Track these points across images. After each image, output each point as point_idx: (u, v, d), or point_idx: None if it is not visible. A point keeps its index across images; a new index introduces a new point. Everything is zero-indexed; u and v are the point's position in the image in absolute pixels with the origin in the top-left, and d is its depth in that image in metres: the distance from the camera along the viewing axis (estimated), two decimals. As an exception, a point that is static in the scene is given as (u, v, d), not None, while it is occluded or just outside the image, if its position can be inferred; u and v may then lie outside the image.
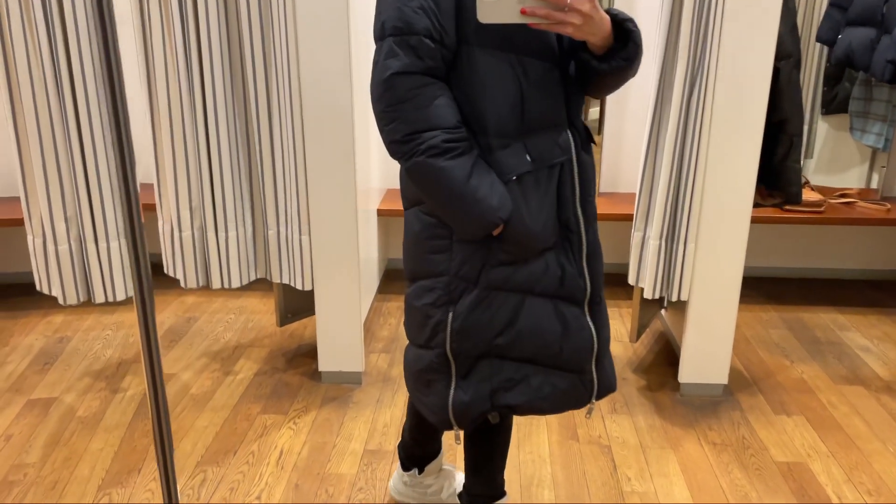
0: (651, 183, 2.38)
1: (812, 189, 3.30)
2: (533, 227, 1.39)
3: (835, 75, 3.58)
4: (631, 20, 1.34)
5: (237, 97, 2.32)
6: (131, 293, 2.39)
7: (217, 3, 2.20)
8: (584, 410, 2.28)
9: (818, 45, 3.48)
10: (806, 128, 3.53)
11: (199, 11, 2.19)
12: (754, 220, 2.90)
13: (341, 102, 2.25)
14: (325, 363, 2.54)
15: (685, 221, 2.30)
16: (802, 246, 3.57)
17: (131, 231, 1.00)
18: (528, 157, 1.37)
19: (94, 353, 2.78)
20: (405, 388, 1.87)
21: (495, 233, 1.38)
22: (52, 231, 2.31)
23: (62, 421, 2.32)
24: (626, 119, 3.32)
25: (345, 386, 2.55)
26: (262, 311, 3.18)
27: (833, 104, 3.59)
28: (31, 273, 3.18)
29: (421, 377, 1.55)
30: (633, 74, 1.39)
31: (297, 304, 2.75)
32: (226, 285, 2.44)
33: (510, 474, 2.07)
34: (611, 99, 3.31)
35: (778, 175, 2.50)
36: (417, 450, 1.86)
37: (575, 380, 1.52)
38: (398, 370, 2.67)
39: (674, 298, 2.38)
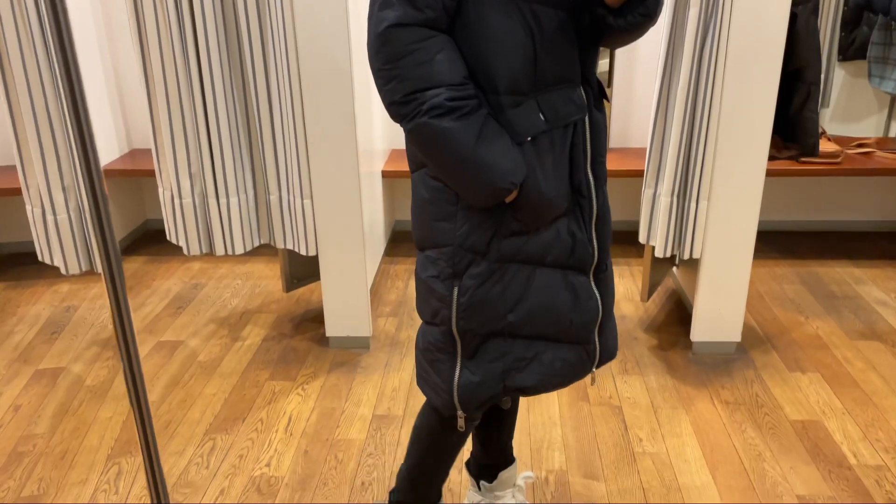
0: (662, 138, 2.30)
1: (829, 139, 3.20)
2: (548, 193, 1.29)
3: (852, 20, 3.44)
4: None
5: (233, 58, 2.25)
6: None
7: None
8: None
9: (836, -12, 3.34)
10: (822, 76, 3.41)
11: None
12: (768, 174, 2.82)
13: (339, 60, 2.17)
14: (333, 328, 2.52)
15: (697, 177, 2.23)
16: (817, 198, 3.49)
17: (95, 210, 0.96)
18: (542, 117, 1.26)
19: (100, 322, 2.77)
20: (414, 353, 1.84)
21: (508, 199, 1.27)
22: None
23: (70, 391, 2.32)
24: (636, 70, 3.22)
25: (353, 351, 2.53)
26: (269, 276, 3.15)
27: (850, 50, 3.47)
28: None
29: (426, 356, 1.45)
30: (653, 25, 1.30)
31: (303, 270, 2.72)
32: (229, 252, 2.41)
33: (520, 437, 2.05)
34: (620, 48, 3.20)
35: (794, 126, 2.42)
36: (485, 457, 1.72)
37: (580, 350, 1.45)
38: (406, 334, 2.64)
39: (686, 256, 2.33)
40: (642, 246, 3.35)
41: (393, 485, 1.76)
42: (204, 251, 2.43)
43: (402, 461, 1.64)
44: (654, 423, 2.12)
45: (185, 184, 2.33)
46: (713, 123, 2.17)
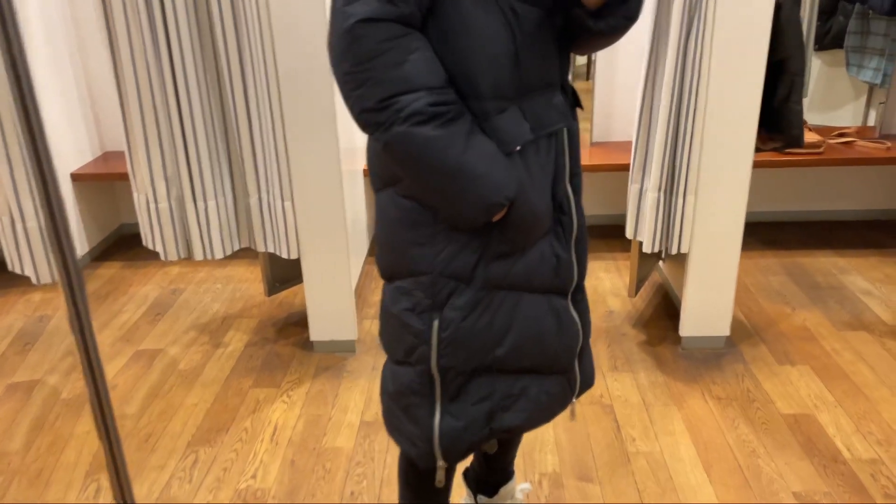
0: (648, 132, 2.27)
1: (810, 129, 3.20)
2: (538, 208, 1.17)
3: (828, 9, 3.44)
4: None
5: (207, 56, 2.17)
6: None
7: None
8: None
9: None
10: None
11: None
12: (752, 165, 2.80)
13: (318, 55, 2.11)
14: (317, 332, 2.46)
15: (684, 172, 2.20)
16: (799, 188, 3.49)
17: (50, 214, 0.90)
18: (527, 124, 1.15)
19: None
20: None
21: (497, 217, 1.13)
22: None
23: (45, 405, 2.24)
24: (618, 63, 3.19)
25: (338, 355, 2.47)
26: (250, 279, 3.08)
27: (826, 39, 3.47)
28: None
29: (398, 400, 1.28)
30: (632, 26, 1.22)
31: (285, 273, 2.65)
32: (208, 256, 2.34)
33: (512, 440, 2.02)
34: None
35: (778, 117, 2.40)
36: (487, 474, 1.63)
37: (563, 380, 1.33)
38: (392, 335, 2.59)
39: (674, 252, 2.30)
40: (627, 240, 3.33)
41: (382, 494, 1.72)
42: (182, 256, 2.36)
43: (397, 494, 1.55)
44: (647, 421, 2.09)
45: (161, 187, 2.26)
46: (699, 117, 2.14)
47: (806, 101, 3.48)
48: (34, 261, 2.26)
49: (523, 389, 1.27)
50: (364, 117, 1.06)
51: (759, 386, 2.24)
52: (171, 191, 2.27)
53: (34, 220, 2.21)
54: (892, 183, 3.46)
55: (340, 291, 2.39)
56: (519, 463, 1.93)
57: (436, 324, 1.19)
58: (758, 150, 2.37)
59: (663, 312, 2.69)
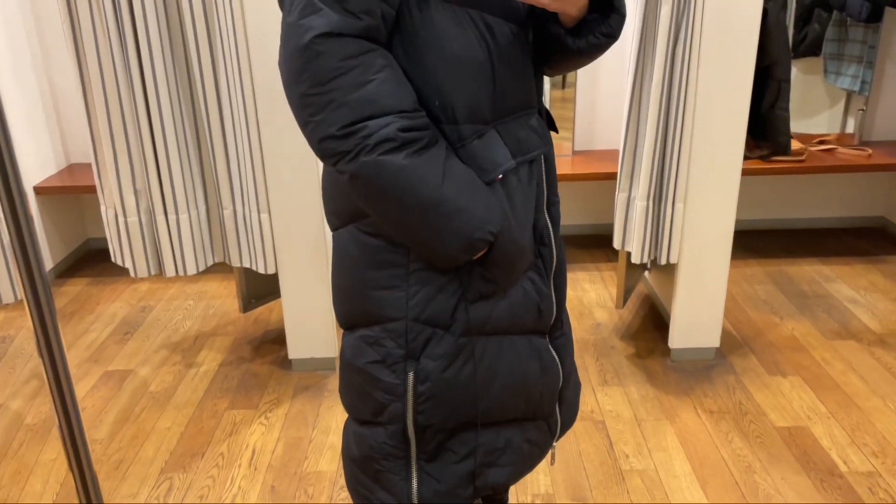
0: (636, 140, 2.22)
1: (792, 137, 3.19)
2: (522, 242, 1.06)
3: (803, 17, 3.45)
4: None
5: (178, 62, 2.08)
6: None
7: (147, -42, 1.94)
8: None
9: (791, -15, 3.34)
10: (782, 73, 3.41)
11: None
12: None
13: (296, 65, 2.02)
14: (295, 350, 2.36)
15: (673, 180, 2.16)
16: (782, 196, 3.48)
17: (17, 230, 0.81)
18: (507, 149, 1.04)
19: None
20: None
21: (478, 254, 1.01)
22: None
23: (8, 431, 2.11)
24: (600, 70, 3.15)
25: (318, 373, 2.38)
26: (224, 294, 2.97)
27: (802, 46, 3.48)
28: None
29: (366, 466, 1.13)
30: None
31: (261, 288, 2.56)
32: (180, 272, 2.23)
33: (502, 460, 1.94)
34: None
35: (766, 124, 2.37)
36: None
37: (543, 426, 1.21)
38: (374, 351, 2.50)
39: (662, 262, 2.25)
40: (611, 250, 3.29)
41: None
42: (153, 272, 2.25)
43: None
44: (640, 437, 2.03)
45: (130, 200, 2.15)
46: (688, 124, 2.10)
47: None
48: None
49: (508, 441, 1.15)
50: (326, 146, 0.93)
51: (751, 398, 2.19)
52: (141, 204, 2.17)
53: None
54: (872, 189, 3.47)
55: (319, 307, 2.30)
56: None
57: (411, 376, 1.06)
58: (745, 157, 2.34)
59: (651, 324, 2.64)
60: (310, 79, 0.90)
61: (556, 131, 1.20)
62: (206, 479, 1.90)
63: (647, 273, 2.87)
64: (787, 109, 2.32)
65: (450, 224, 0.96)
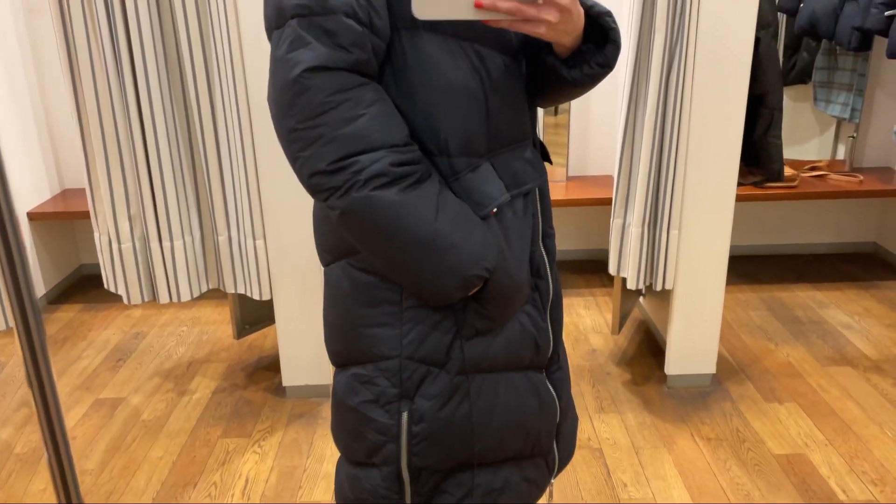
0: (630, 167, 2.23)
1: (784, 163, 3.22)
2: (518, 277, 1.04)
3: (792, 45, 3.50)
4: (609, 13, 1.01)
5: (174, 87, 2.08)
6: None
7: (146, -14, 1.96)
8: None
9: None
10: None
11: (125, -4, 1.95)
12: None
13: (292, 93, 2.03)
14: (289, 377, 2.34)
15: (668, 206, 2.17)
16: (774, 222, 3.50)
17: (7, 256, 0.80)
18: (502, 182, 1.02)
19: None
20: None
21: (473, 290, 0.99)
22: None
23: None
24: (592, 96, 3.18)
25: (312, 400, 2.36)
26: (218, 320, 2.95)
27: (791, 74, 3.52)
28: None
29: None
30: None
31: (256, 314, 2.54)
32: (174, 299, 2.22)
33: (499, 489, 1.92)
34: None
35: (759, 151, 2.39)
36: None
37: (541, 463, 1.18)
38: (369, 378, 2.48)
39: (658, 288, 2.25)
40: (606, 275, 3.29)
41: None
42: (146, 299, 2.23)
43: None
44: (637, 465, 2.01)
45: (124, 227, 2.14)
46: (682, 151, 2.11)
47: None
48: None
49: (506, 481, 1.12)
50: (315, 181, 0.91)
51: (749, 425, 2.18)
52: (135, 230, 2.16)
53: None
54: (864, 215, 3.49)
55: (314, 333, 2.28)
56: (507, 514, 1.83)
57: (405, 416, 1.03)
58: (738, 183, 2.36)
59: (647, 350, 2.64)
60: (298, 113, 0.89)
61: (550, 162, 1.19)
62: (198, 510, 1.87)
63: (642, 298, 2.87)
64: (779, 137, 2.35)
65: (444, 260, 0.94)
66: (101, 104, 2.04)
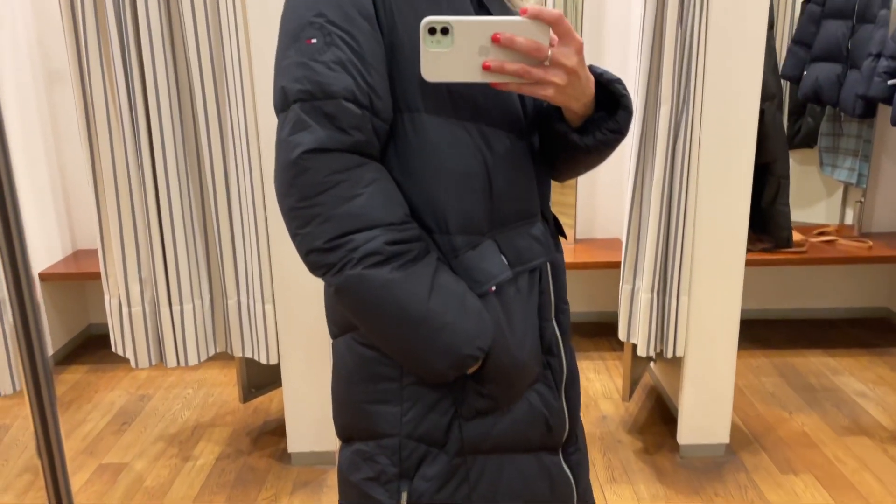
0: (638, 232, 2.24)
1: (793, 228, 3.22)
2: (520, 356, 1.02)
3: (797, 110, 3.55)
4: (619, 81, 1.01)
5: (189, 154, 2.12)
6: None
7: (165, 58, 2.01)
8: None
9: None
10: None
11: (144, 63, 2.00)
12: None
13: (305, 160, 2.06)
14: (295, 443, 2.31)
15: (677, 272, 2.16)
16: (784, 286, 3.49)
17: (23, 322, 0.81)
18: (504, 259, 1.01)
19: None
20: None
21: (472, 369, 0.98)
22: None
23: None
24: (599, 163, 3.21)
25: (318, 468, 2.32)
26: (224, 382, 2.93)
27: (797, 139, 3.56)
28: None
29: None
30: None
31: (262, 378, 2.52)
32: (182, 363, 2.21)
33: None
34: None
35: (767, 219, 2.40)
36: None
37: None
38: (375, 445, 2.45)
39: (669, 355, 2.23)
40: (615, 339, 3.26)
41: None
42: (154, 363, 2.22)
43: None
44: (650, 540, 1.96)
45: (135, 290, 2.15)
46: (689, 219, 2.12)
47: (785, 201, 3.53)
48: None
49: None
50: (312, 258, 0.93)
51: (764, 498, 2.12)
52: (146, 293, 2.17)
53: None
54: (874, 281, 3.47)
55: (321, 399, 2.26)
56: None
57: (404, 497, 1.01)
58: (747, 250, 2.36)
59: (658, 417, 2.59)
60: (297, 193, 0.91)
61: (565, 237, 1.19)
62: (199, 584, 1.82)
63: (652, 364, 2.84)
64: (787, 205, 2.36)
65: (436, 340, 0.93)
66: (116, 169, 2.08)
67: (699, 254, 2.16)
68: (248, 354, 2.25)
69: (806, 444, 2.41)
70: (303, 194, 0.91)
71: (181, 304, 2.17)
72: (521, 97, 1.03)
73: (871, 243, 3.12)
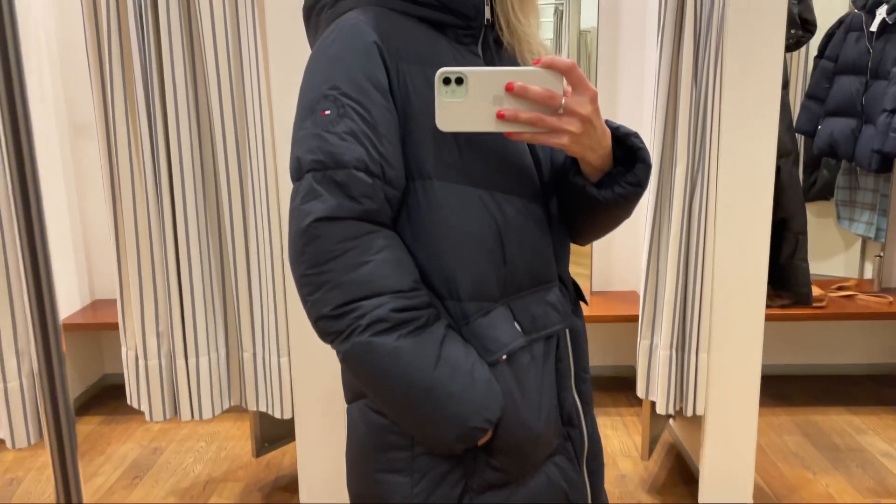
0: (655, 288, 2.23)
1: (812, 282, 3.19)
2: (535, 427, 0.99)
3: (812, 163, 3.55)
4: (636, 134, 1.01)
5: (209, 210, 2.15)
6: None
7: (189, 115, 2.06)
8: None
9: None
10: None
11: (168, 119, 2.05)
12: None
13: (323, 215, 2.09)
14: (308, 498, 2.27)
15: (696, 329, 2.14)
16: (804, 341, 3.43)
17: (49, 379, 0.81)
18: (518, 327, 1.00)
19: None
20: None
21: (481, 441, 0.96)
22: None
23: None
24: (615, 216, 3.22)
25: (330, 526, 2.28)
26: (237, 435, 2.90)
27: (812, 192, 3.56)
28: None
29: None
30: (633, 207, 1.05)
31: (276, 431, 2.50)
32: (196, 417, 2.19)
33: None
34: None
35: (785, 275, 2.39)
36: None
37: None
38: (389, 502, 2.40)
39: (689, 413, 2.19)
40: (633, 394, 3.21)
41: None
42: (168, 416, 2.21)
43: None
44: None
45: (152, 343, 2.16)
46: (707, 276, 2.11)
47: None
48: (11, 423, 2.10)
49: None
50: (321, 325, 0.94)
51: (790, 564, 2.06)
52: (162, 346, 2.17)
53: (16, 380, 2.08)
54: (895, 337, 3.42)
55: (335, 455, 2.23)
56: None
57: None
58: (766, 306, 2.33)
59: (678, 477, 2.54)
60: (307, 260, 0.92)
61: (586, 303, 1.17)
62: None
63: (672, 421, 2.79)
64: (805, 260, 2.35)
65: (443, 411, 0.92)
66: (138, 222, 2.11)
67: (718, 310, 2.14)
68: (263, 408, 2.23)
69: (832, 506, 2.34)
70: (313, 261, 0.92)
71: (197, 356, 2.17)
72: (537, 161, 1.03)
73: (891, 299, 3.08)
